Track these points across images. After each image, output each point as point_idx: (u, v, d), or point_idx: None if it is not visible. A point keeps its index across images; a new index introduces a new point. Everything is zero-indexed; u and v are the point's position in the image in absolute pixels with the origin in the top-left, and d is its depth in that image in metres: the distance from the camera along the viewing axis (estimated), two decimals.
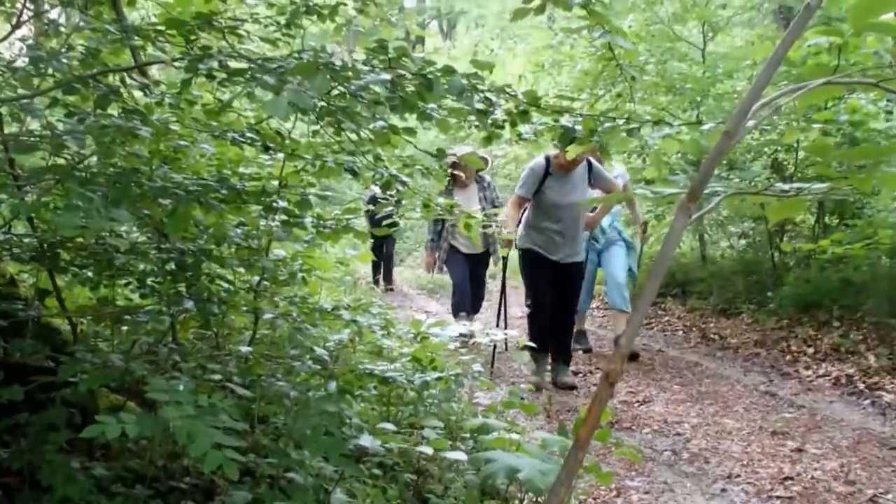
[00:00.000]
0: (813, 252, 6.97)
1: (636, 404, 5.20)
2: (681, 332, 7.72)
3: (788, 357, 6.29)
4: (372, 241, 10.65)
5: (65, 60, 2.25)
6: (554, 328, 5.72)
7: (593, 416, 1.07)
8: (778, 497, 3.63)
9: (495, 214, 3.41)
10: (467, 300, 7.33)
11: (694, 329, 7.68)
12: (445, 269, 7.43)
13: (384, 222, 3.17)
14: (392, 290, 11.47)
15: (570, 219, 5.57)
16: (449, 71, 1.96)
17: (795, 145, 7.18)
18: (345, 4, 2.66)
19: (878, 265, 6.61)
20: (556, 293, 5.66)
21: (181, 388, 1.96)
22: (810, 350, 6.26)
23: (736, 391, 5.51)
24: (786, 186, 1.41)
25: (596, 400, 1.07)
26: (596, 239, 6.79)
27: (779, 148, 7.56)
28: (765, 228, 7.85)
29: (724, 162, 7.52)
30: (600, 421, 3.24)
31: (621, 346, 1.04)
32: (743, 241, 8.95)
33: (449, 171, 6.33)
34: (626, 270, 6.78)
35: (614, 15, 9.32)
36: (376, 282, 11.33)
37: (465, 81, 1.97)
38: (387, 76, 1.93)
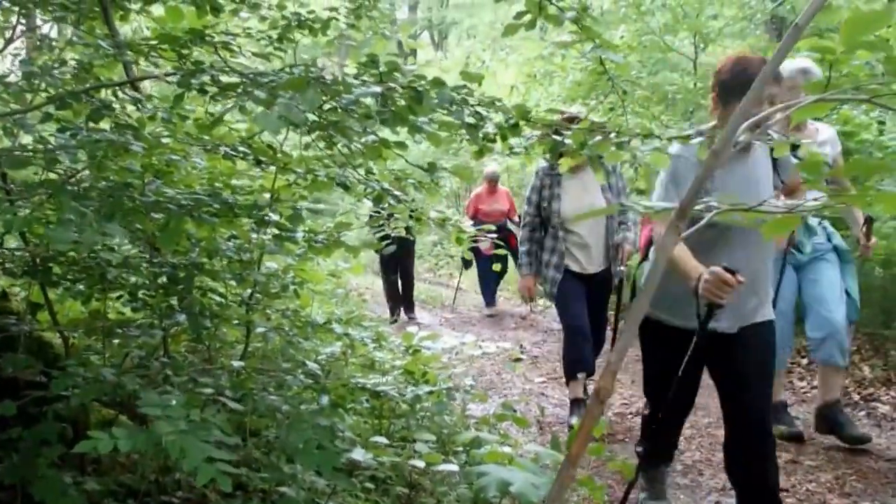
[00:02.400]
0: None
1: (630, 416, 5.20)
2: None
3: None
4: (385, 261, 8.99)
5: (57, 74, 2.26)
6: (747, 457, 3.07)
7: (585, 432, 1.07)
8: None
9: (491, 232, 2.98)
10: (588, 351, 4.81)
11: None
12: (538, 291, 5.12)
13: (383, 238, 3.00)
14: (414, 318, 9.39)
15: (755, 248, 2.97)
16: (439, 83, 1.97)
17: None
18: (336, 19, 2.67)
19: (871, 276, 6.63)
20: (734, 387, 3.05)
21: (173, 402, 1.96)
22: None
23: None
24: (780, 203, 1.40)
25: (587, 416, 1.08)
26: (800, 248, 4.42)
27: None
28: None
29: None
30: (595, 435, 3.24)
31: (612, 363, 1.05)
32: None
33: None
34: (841, 298, 4.40)
35: (606, 25, 9.38)
36: (395, 314, 9.29)
37: (454, 94, 1.98)
38: (377, 89, 1.94)
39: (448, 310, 10.60)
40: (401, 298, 9.48)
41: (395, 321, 8.95)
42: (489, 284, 10.18)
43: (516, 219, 9.61)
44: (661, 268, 1.01)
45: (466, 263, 9.98)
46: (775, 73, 2.13)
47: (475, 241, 8.43)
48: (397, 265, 9.23)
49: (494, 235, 3.39)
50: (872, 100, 1.37)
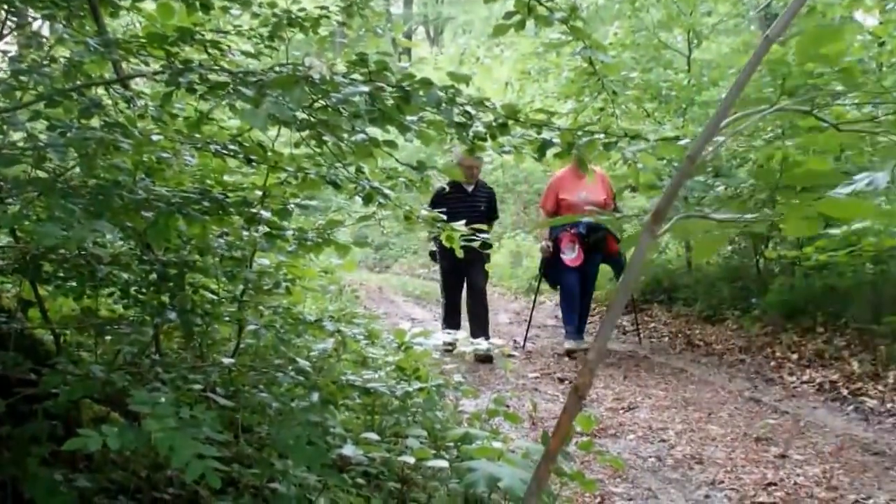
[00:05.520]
0: (797, 259, 7.02)
1: (621, 411, 5.23)
2: (667, 339, 7.76)
3: (773, 363, 6.33)
4: (445, 266, 7.01)
5: (47, 70, 2.26)
6: None
7: (562, 428, 1.09)
8: (761, 503, 3.66)
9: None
10: None
11: (679, 335, 7.72)
12: None
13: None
14: (490, 359, 6.44)
15: None
16: (426, 83, 1.98)
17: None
18: (327, 17, 2.68)
19: (861, 271, 6.68)
20: None
21: (163, 400, 1.97)
22: (794, 356, 6.31)
23: (720, 397, 5.54)
24: (719, 216, 1.36)
25: (565, 413, 1.09)
26: None
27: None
28: (749, 235, 7.90)
29: (710, 169, 7.57)
30: (585, 430, 3.25)
31: (590, 361, 1.06)
32: (728, 248, 9.01)
33: None
34: None
35: (601, 21, 9.38)
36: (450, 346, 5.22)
37: (442, 94, 1.99)
38: (365, 88, 1.95)
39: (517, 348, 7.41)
40: (458, 311, 6.98)
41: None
42: (573, 307, 7.02)
43: (619, 204, 7.23)
44: (637, 270, 1.03)
45: (552, 280, 7.26)
46: None
47: (557, 248, 6.94)
48: (462, 277, 6.88)
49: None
50: (812, 112, 1.39)
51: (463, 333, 3.93)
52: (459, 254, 2.80)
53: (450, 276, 6.96)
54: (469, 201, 6.78)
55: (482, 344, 3.55)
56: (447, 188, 6.26)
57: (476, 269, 6.75)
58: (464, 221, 2.74)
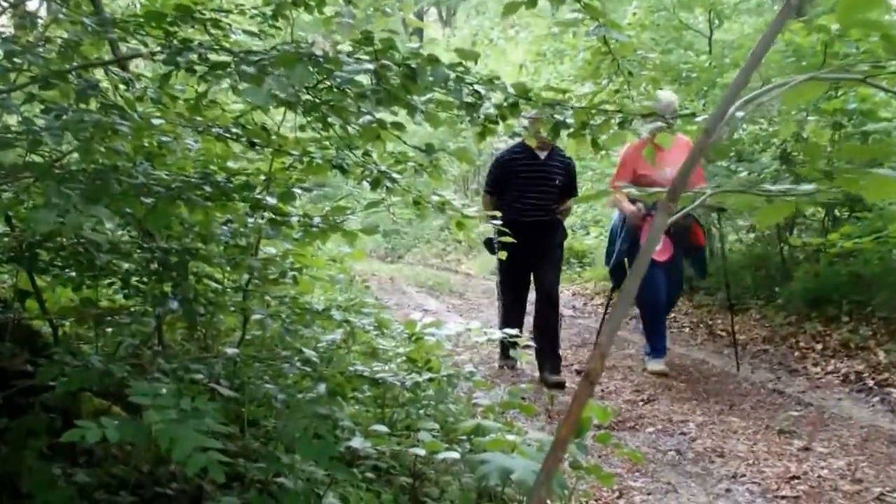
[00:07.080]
0: (822, 246, 6.86)
1: (640, 403, 5.12)
2: (688, 329, 7.62)
3: (797, 354, 6.19)
4: (505, 268, 5.40)
5: (41, 52, 2.19)
6: None
7: (573, 415, 1.01)
8: (783, 496, 3.55)
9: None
10: None
11: (701, 325, 7.58)
12: None
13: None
14: (561, 384, 5.35)
15: None
16: (433, 60, 1.88)
17: (804, 136, 7.05)
18: None
19: (888, 259, 6.51)
20: None
21: (164, 391, 1.91)
22: (819, 346, 6.16)
23: (742, 389, 5.42)
24: (773, 188, 1.32)
25: (576, 399, 1.01)
26: None
27: (787, 138, 7.45)
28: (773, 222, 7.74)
29: (732, 153, 7.42)
30: (602, 422, 3.15)
31: (601, 345, 0.98)
32: (752, 235, 8.84)
33: None
34: None
35: (619, 1, 9.20)
36: (506, 356, 5.49)
37: (450, 73, 1.89)
38: (370, 66, 1.86)
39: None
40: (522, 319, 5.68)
41: (512, 365, 5.64)
42: (659, 319, 5.82)
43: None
44: (652, 248, 0.94)
45: (617, 278, 5.89)
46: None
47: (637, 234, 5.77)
48: (528, 274, 5.64)
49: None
50: (866, 80, 1.29)
51: (476, 323, 3.81)
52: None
53: (512, 272, 5.58)
54: (541, 172, 5.45)
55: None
56: (513, 154, 5.49)
57: (547, 265, 5.49)
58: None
